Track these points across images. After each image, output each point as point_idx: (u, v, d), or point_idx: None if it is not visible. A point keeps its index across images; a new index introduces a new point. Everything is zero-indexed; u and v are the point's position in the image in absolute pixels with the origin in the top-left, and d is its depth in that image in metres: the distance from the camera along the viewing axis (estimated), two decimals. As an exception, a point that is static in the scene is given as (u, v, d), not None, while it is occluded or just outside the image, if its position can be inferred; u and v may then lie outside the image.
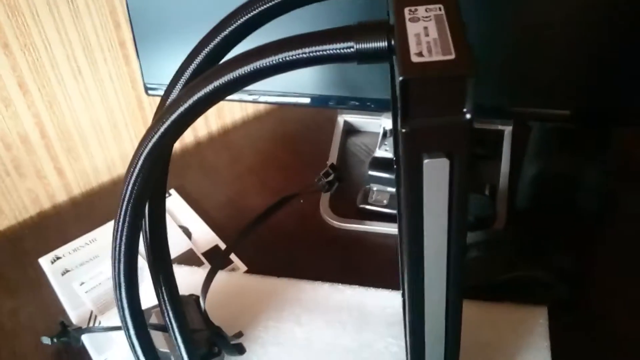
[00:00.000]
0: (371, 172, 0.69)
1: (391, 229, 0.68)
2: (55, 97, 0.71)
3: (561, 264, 0.61)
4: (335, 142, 0.80)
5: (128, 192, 0.35)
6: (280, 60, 0.28)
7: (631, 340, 0.56)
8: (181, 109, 0.30)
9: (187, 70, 0.36)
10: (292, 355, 0.56)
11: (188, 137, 0.86)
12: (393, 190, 0.70)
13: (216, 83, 0.29)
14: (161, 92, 0.67)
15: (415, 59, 0.24)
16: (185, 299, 0.56)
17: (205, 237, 0.70)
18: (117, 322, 0.62)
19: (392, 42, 0.27)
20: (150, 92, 0.70)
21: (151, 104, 0.79)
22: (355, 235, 0.69)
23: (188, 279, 0.61)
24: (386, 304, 0.60)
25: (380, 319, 0.59)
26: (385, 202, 0.70)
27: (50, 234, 0.72)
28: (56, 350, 0.59)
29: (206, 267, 0.66)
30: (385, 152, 0.73)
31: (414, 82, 0.24)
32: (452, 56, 0.24)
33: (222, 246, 0.69)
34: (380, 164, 0.69)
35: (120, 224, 0.36)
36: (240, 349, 0.54)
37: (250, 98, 0.70)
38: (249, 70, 0.29)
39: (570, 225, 0.65)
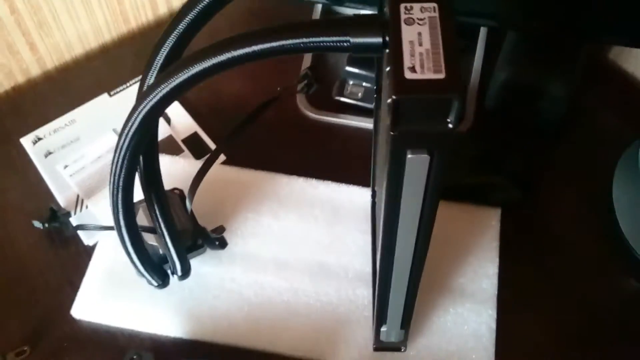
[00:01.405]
0: (348, 68, 0.70)
1: (364, 123, 0.71)
2: (23, -29, 0.68)
3: (518, 169, 0.66)
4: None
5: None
6: (278, 46, 0.29)
7: (567, 242, 0.63)
8: (180, 78, 0.32)
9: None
10: (270, 247, 0.62)
11: (162, 9, 0.83)
12: (368, 85, 0.72)
13: (215, 60, 0.30)
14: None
15: (408, 74, 0.26)
16: (169, 193, 0.60)
17: (184, 122, 0.72)
18: (104, 206, 0.66)
19: (387, 39, 0.28)
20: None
21: (124, -23, 0.76)
22: (330, 127, 0.72)
23: (170, 169, 0.64)
24: (356, 199, 0.65)
25: (349, 214, 0.64)
26: (360, 95, 0.72)
27: (29, 112, 0.73)
28: (47, 231, 0.64)
29: (187, 156, 0.69)
30: (363, 41, 0.73)
31: (405, 101, 0.26)
32: (442, 75, 0.26)
33: (202, 134, 0.71)
34: (358, 60, 0.70)
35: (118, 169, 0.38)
36: (222, 244, 0.59)
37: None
38: (247, 51, 0.30)
39: (531, 133, 0.69)
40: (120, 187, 0.40)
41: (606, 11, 0.59)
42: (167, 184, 0.54)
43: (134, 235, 0.47)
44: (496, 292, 0.59)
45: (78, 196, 0.66)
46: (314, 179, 0.66)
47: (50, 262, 0.63)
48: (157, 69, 0.37)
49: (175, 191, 0.61)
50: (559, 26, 0.61)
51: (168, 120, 0.72)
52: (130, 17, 0.81)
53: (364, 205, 0.64)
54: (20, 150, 0.70)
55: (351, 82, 0.72)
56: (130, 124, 0.34)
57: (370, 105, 0.72)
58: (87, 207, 0.66)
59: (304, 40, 0.29)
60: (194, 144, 0.71)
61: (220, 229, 0.60)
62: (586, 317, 0.59)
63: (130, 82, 0.75)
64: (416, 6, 0.28)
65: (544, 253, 0.63)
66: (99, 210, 0.65)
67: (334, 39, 0.29)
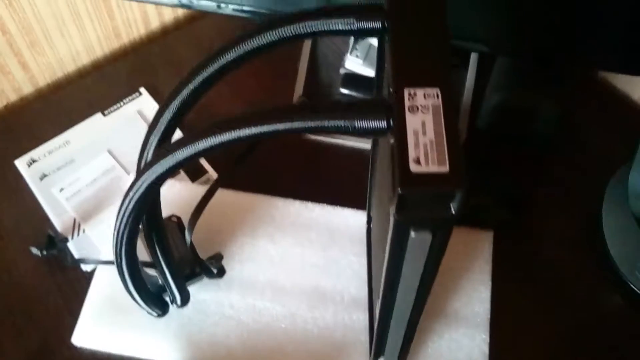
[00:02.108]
0: (343, 90, 0.71)
1: (360, 143, 0.71)
2: (14, -7, 0.67)
3: (508, 191, 0.67)
4: (306, 45, 0.80)
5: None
6: (284, 128, 0.30)
7: (558, 263, 0.65)
8: (186, 152, 0.32)
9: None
10: (267, 271, 0.63)
11: (154, 23, 0.83)
12: (362, 105, 0.72)
13: (220, 138, 0.31)
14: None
15: (413, 166, 0.27)
16: (166, 221, 0.60)
17: (179, 143, 0.72)
18: (101, 231, 0.67)
19: (391, 123, 0.29)
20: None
21: (115, -5, 0.76)
22: (325, 147, 0.73)
23: (166, 193, 0.64)
24: (351, 222, 0.66)
25: (345, 237, 0.65)
26: (354, 114, 0.73)
27: (23, 133, 0.73)
28: (45, 256, 0.64)
29: (182, 179, 0.70)
30: (356, 58, 0.74)
31: (410, 194, 0.27)
32: (446, 168, 0.27)
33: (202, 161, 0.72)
34: (352, 81, 0.70)
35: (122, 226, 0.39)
36: (220, 273, 0.60)
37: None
38: (254, 131, 0.30)
39: (523, 153, 0.70)
40: (124, 242, 0.40)
41: (596, 38, 0.60)
42: (163, 209, 0.54)
43: (135, 278, 0.48)
44: (489, 316, 0.60)
45: (75, 220, 0.67)
46: (309, 202, 0.67)
47: (48, 288, 0.63)
48: (158, 137, 0.37)
49: (173, 219, 0.61)
50: (549, 52, 0.62)
51: (163, 141, 0.72)
52: (122, 33, 0.80)
53: (359, 228, 0.65)
54: (15, 172, 0.70)
55: (345, 102, 0.73)
56: (131, 195, 0.35)
57: (364, 125, 0.72)
58: (84, 231, 0.66)
59: (309, 122, 0.29)
60: (189, 166, 0.71)
61: (218, 257, 0.61)
62: (577, 338, 0.61)
63: (124, 101, 0.75)
64: (419, 92, 0.29)
65: (536, 275, 0.64)
66: (97, 234, 0.66)
67: (339, 122, 0.29)
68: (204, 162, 0.71)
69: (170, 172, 0.33)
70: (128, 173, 0.70)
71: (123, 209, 0.37)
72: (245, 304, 0.61)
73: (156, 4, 0.66)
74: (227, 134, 0.30)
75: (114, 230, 0.40)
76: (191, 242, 0.56)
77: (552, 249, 0.66)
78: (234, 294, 0.62)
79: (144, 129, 0.74)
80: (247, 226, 0.66)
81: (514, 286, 0.63)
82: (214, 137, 0.30)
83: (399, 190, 0.26)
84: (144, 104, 0.75)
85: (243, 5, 0.65)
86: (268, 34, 0.32)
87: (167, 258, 0.52)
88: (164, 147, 0.33)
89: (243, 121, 0.30)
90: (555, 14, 0.59)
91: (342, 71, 0.72)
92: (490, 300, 0.61)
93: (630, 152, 0.63)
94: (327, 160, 0.72)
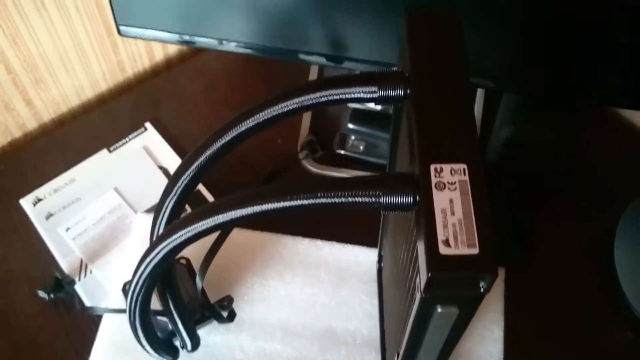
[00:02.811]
0: (351, 126, 0.70)
1: (366, 178, 0.71)
2: (20, 33, 0.67)
3: (518, 227, 0.67)
4: (313, 71, 0.79)
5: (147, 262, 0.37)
6: (309, 204, 0.29)
7: (569, 299, 0.64)
8: (203, 225, 0.32)
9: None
10: (277, 312, 0.62)
11: (158, 56, 0.83)
12: (370, 140, 0.72)
13: (242, 212, 0.30)
14: (133, 33, 0.65)
15: (442, 249, 0.26)
16: (176, 265, 0.59)
17: (185, 180, 0.72)
18: (109, 271, 0.66)
19: (417, 198, 0.29)
20: (123, 32, 0.66)
21: (120, 30, 0.75)
22: (332, 181, 0.72)
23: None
24: (361, 260, 0.65)
25: (355, 276, 0.64)
26: (361, 148, 0.73)
27: (27, 171, 0.72)
28: (52, 299, 0.63)
29: (190, 216, 0.69)
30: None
31: (440, 277, 0.26)
32: (476, 250, 0.26)
33: (204, 191, 0.71)
34: (361, 117, 0.70)
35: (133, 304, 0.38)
36: (231, 317, 0.59)
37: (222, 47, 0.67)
38: (277, 206, 0.30)
39: (534, 187, 0.70)
40: (139, 303, 0.39)
41: (607, 77, 0.60)
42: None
43: (147, 330, 0.47)
44: (502, 356, 0.60)
45: (82, 260, 0.66)
46: (318, 240, 0.67)
47: (56, 331, 0.62)
48: (167, 211, 0.37)
49: (182, 261, 0.61)
50: (558, 91, 0.62)
51: (169, 177, 0.72)
52: (127, 67, 0.80)
53: (370, 266, 0.65)
54: (20, 212, 0.69)
55: (353, 137, 0.72)
56: (147, 262, 0.34)
57: (373, 159, 0.72)
58: (91, 272, 0.65)
59: (335, 200, 0.29)
60: (194, 200, 0.70)
61: (229, 300, 0.60)
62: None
63: (130, 137, 0.74)
64: (446, 168, 0.28)
65: (548, 312, 0.64)
66: (104, 275, 0.65)
67: (367, 199, 0.29)
68: (208, 195, 0.70)
69: (189, 244, 0.32)
70: (135, 211, 0.69)
71: (139, 274, 0.36)
72: (255, 347, 0.60)
73: (159, 41, 0.66)
74: (248, 208, 0.30)
75: (129, 293, 0.40)
76: (202, 288, 0.56)
77: (564, 285, 0.65)
78: (244, 336, 0.61)
79: (150, 165, 0.74)
80: (256, 265, 0.65)
81: (527, 324, 0.62)
82: (236, 210, 0.30)
83: (429, 274, 0.26)
84: (150, 140, 0.75)
85: (244, 41, 0.65)
86: (288, 104, 0.32)
87: (179, 306, 0.51)
88: (185, 217, 0.32)
89: (264, 196, 0.30)
90: (565, 54, 0.59)
91: (350, 106, 0.72)
92: (504, 339, 0.61)
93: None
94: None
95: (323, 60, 0.65)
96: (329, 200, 0.29)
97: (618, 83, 0.60)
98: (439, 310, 0.29)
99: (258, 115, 0.33)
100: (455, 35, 0.34)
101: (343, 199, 0.29)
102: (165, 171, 0.72)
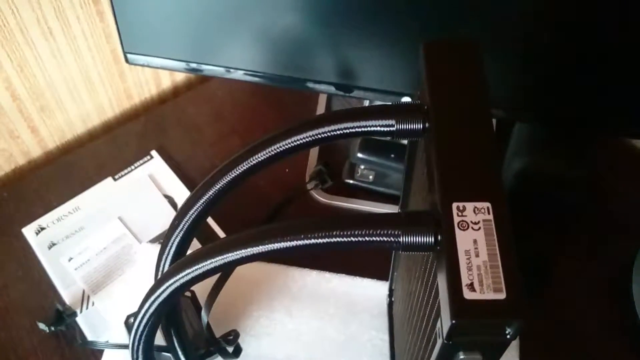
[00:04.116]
0: (360, 155, 0.69)
1: (377, 208, 0.70)
2: (26, 61, 0.66)
3: (533, 261, 0.65)
4: (322, 100, 0.79)
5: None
6: (326, 242, 0.28)
7: (586, 335, 0.62)
8: (209, 264, 0.30)
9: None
10: (284, 347, 0.60)
11: (165, 83, 0.82)
12: (379, 169, 0.71)
13: (259, 249, 0.29)
14: (141, 61, 0.64)
15: (467, 293, 0.25)
16: (182, 299, 0.58)
17: (191, 209, 0.70)
18: (111, 304, 0.64)
19: (439, 238, 0.27)
20: (130, 60, 0.66)
21: (127, 58, 0.75)
22: (341, 212, 0.71)
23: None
24: (371, 294, 0.64)
25: (365, 311, 0.63)
26: (371, 178, 0.71)
27: (31, 199, 0.71)
28: (53, 332, 0.62)
29: (194, 246, 0.68)
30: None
31: (465, 324, 0.25)
32: (503, 295, 0.25)
33: (211, 222, 0.70)
34: (370, 147, 0.69)
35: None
36: (237, 352, 0.57)
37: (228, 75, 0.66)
38: (292, 244, 0.28)
39: (548, 220, 0.68)
40: (142, 342, 0.38)
41: (620, 108, 0.59)
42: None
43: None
44: (519, 398, 0.58)
45: (84, 292, 0.64)
46: (327, 272, 0.65)
47: (56, 366, 0.61)
48: (173, 247, 0.36)
49: (187, 294, 0.59)
50: (571, 122, 0.61)
51: (174, 206, 0.71)
52: (134, 94, 0.79)
53: (380, 300, 0.63)
54: (23, 241, 0.68)
55: (362, 166, 0.71)
56: (151, 300, 0.33)
57: (382, 189, 0.71)
58: (93, 303, 0.64)
59: (352, 239, 0.27)
60: (201, 231, 0.69)
61: (235, 335, 0.58)
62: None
63: (135, 165, 0.73)
64: (469, 206, 0.27)
65: (563, 347, 0.62)
66: (106, 307, 0.63)
67: (385, 239, 0.27)
68: (216, 227, 0.69)
69: (196, 282, 0.31)
70: (139, 241, 0.67)
71: (143, 311, 0.34)
72: (262, 383, 0.58)
73: (166, 69, 0.65)
74: (260, 247, 0.28)
75: (133, 329, 0.38)
76: (207, 322, 0.54)
77: (580, 322, 0.63)
78: (251, 372, 0.59)
79: (155, 194, 0.72)
80: (262, 298, 0.63)
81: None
82: (250, 247, 0.29)
83: (453, 321, 0.24)
84: (156, 168, 0.73)
85: (252, 70, 0.64)
86: (303, 137, 0.31)
87: (183, 343, 0.49)
88: (194, 254, 0.31)
89: (276, 234, 0.28)
90: (577, 83, 0.58)
91: (358, 135, 0.70)
92: (519, 378, 0.58)
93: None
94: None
95: (332, 89, 0.65)
96: (345, 240, 0.27)
97: (632, 113, 0.59)
98: (462, 356, 0.27)
99: (271, 149, 0.31)
100: (475, 63, 0.33)
101: (360, 238, 0.27)
102: (170, 200, 0.71)
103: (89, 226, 0.69)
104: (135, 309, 0.59)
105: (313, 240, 0.28)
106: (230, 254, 0.29)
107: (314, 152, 0.74)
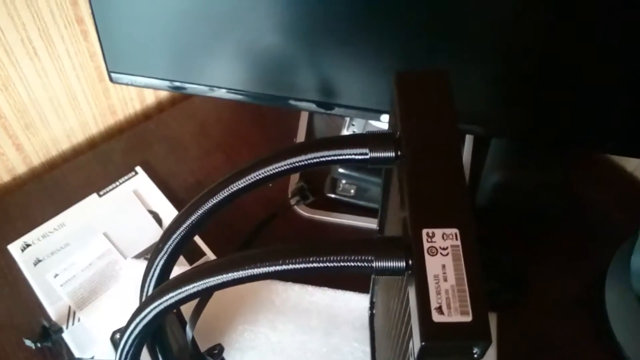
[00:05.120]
0: (341, 170, 0.70)
1: (359, 222, 0.71)
2: (11, 80, 0.67)
3: (510, 272, 0.67)
4: (303, 117, 0.80)
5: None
6: (302, 268, 0.29)
7: (561, 343, 0.64)
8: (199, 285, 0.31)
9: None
10: (268, 359, 0.62)
11: (149, 99, 0.83)
12: (361, 184, 0.72)
13: (237, 274, 0.30)
14: (125, 80, 0.65)
15: (435, 316, 0.26)
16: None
17: (176, 224, 0.71)
18: (97, 319, 0.65)
19: (410, 262, 0.29)
20: (114, 79, 0.67)
21: (112, 75, 0.76)
22: (324, 225, 0.72)
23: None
24: (352, 306, 0.65)
25: (347, 323, 0.64)
26: (352, 192, 0.73)
27: (16, 215, 0.71)
28: (39, 348, 0.62)
29: (180, 262, 0.68)
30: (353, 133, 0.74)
31: (433, 346, 0.26)
32: (469, 318, 0.26)
33: (196, 238, 0.71)
34: (351, 162, 0.70)
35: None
36: (222, 366, 0.59)
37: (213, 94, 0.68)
38: (270, 270, 0.30)
39: (523, 230, 0.70)
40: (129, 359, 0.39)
41: (596, 124, 0.61)
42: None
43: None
44: (496, 405, 0.59)
45: (70, 308, 0.65)
46: (310, 286, 0.66)
47: (42, 382, 0.61)
48: (158, 270, 0.37)
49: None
50: (548, 137, 0.63)
51: (159, 222, 0.72)
52: (118, 110, 0.80)
53: (362, 312, 0.64)
54: (8, 257, 0.68)
55: (344, 181, 0.73)
56: (133, 326, 0.34)
57: (363, 203, 0.72)
58: (79, 319, 0.64)
59: (328, 264, 0.29)
60: (187, 248, 0.70)
61: (219, 349, 0.60)
62: None
63: (120, 181, 0.74)
64: (438, 232, 0.28)
65: (540, 356, 0.63)
66: (92, 322, 0.64)
67: (358, 264, 0.29)
68: (201, 244, 0.70)
69: (180, 305, 0.32)
70: (124, 257, 0.68)
71: (128, 332, 0.36)
72: (246, 396, 0.59)
73: (150, 88, 0.66)
74: (240, 272, 0.30)
75: (119, 349, 0.39)
76: (192, 337, 0.55)
77: (557, 329, 0.65)
78: (235, 385, 0.60)
79: (140, 209, 0.73)
80: (247, 312, 0.64)
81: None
82: (231, 272, 0.30)
83: (422, 343, 0.26)
84: (140, 184, 0.74)
85: (235, 88, 0.65)
86: (280, 164, 0.32)
87: (168, 359, 0.50)
88: (177, 278, 0.32)
89: (255, 260, 0.30)
90: (552, 99, 0.60)
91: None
92: (497, 386, 0.60)
93: (631, 224, 0.64)
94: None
95: (313, 106, 0.66)
96: (322, 265, 0.29)
97: (606, 128, 0.61)
98: (433, 375, 0.29)
99: (250, 176, 0.33)
100: (444, 93, 0.34)
101: (335, 264, 0.29)
102: (155, 215, 0.72)
103: (74, 242, 0.70)
104: (121, 325, 0.60)
105: (291, 266, 0.29)
106: (211, 279, 0.30)
107: (296, 167, 0.75)
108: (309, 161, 0.32)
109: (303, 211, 0.72)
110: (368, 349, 0.62)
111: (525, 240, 0.70)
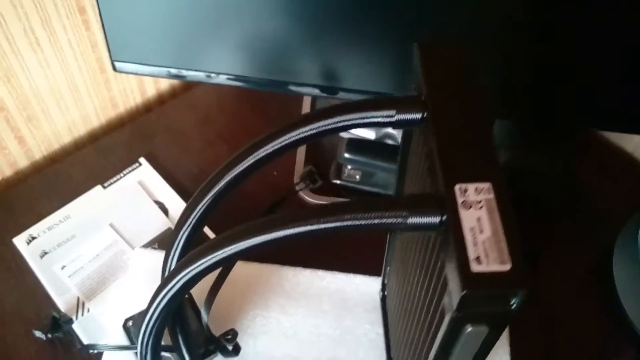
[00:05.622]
0: (347, 155, 0.71)
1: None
2: (13, 71, 0.67)
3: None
4: (306, 103, 0.80)
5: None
6: (335, 226, 0.29)
7: (571, 321, 0.65)
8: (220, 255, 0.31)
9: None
10: (281, 344, 0.61)
11: (150, 91, 0.83)
12: (366, 168, 0.72)
13: (268, 237, 0.30)
14: (129, 69, 0.65)
15: (474, 266, 0.27)
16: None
17: (182, 214, 0.71)
18: (107, 309, 0.65)
19: (444, 218, 0.29)
20: (118, 68, 0.66)
21: (113, 66, 0.75)
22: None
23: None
24: (363, 289, 0.65)
25: (358, 306, 0.64)
26: (357, 178, 0.73)
27: (20, 209, 0.71)
28: (50, 339, 0.62)
29: (188, 250, 0.68)
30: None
31: (473, 295, 0.26)
32: (508, 266, 0.27)
33: (205, 229, 0.70)
34: (357, 147, 0.70)
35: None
36: (236, 350, 0.58)
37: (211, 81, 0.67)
38: (301, 230, 0.30)
39: (530, 213, 0.70)
40: (153, 335, 0.39)
41: (595, 100, 0.62)
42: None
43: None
44: (510, 384, 0.60)
45: (78, 299, 0.65)
46: (320, 270, 0.66)
47: (54, 373, 0.61)
48: (180, 245, 0.37)
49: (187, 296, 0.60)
50: (549, 116, 0.63)
51: (166, 212, 0.71)
52: (119, 103, 0.80)
53: (373, 295, 0.64)
54: (14, 251, 0.68)
55: (349, 167, 0.73)
56: (161, 297, 0.34)
57: (369, 188, 0.72)
58: (89, 310, 0.64)
59: (362, 221, 0.29)
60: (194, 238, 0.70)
61: (233, 334, 0.59)
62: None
63: (124, 172, 0.74)
64: (471, 187, 0.29)
65: (551, 337, 0.64)
66: (102, 312, 0.64)
67: (392, 220, 0.29)
68: (209, 232, 0.70)
69: (211, 271, 0.32)
70: (132, 247, 0.68)
71: (155, 304, 0.35)
72: (261, 381, 0.59)
73: (154, 76, 0.66)
74: (273, 233, 0.30)
75: (143, 325, 0.39)
76: (207, 323, 0.55)
77: (567, 308, 0.66)
78: (249, 370, 0.60)
79: (146, 200, 0.73)
80: (258, 297, 0.64)
81: (532, 348, 0.62)
82: (264, 234, 0.30)
83: (462, 292, 0.26)
84: (145, 175, 0.74)
85: (234, 73, 0.65)
86: (307, 129, 0.32)
87: (188, 343, 0.50)
88: (208, 244, 0.32)
89: (288, 221, 0.30)
90: (554, 79, 0.60)
91: (345, 135, 0.72)
92: (510, 363, 0.60)
93: (634, 204, 0.65)
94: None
95: (316, 91, 0.66)
96: (356, 222, 0.29)
97: (607, 105, 0.62)
98: (469, 329, 0.29)
99: (276, 142, 0.33)
100: (464, 60, 0.35)
101: (370, 221, 0.29)
102: (161, 206, 0.72)
103: (80, 234, 0.69)
104: (132, 313, 0.60)
105: (325, 225, 0.29)
106: (243, 242, 0.30)
107: (300, 155, 0.76)
108: (337, 124, 0.32)
109: (309, 197, 0.72)
110: (381, 331, 0.62)
111: (530, 223, 0.70)
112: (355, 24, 0.59)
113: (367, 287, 0.65)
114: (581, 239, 0.70)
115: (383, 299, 0.63)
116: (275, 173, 0.74)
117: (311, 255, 0.67)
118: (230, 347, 0.58)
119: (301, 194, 0.72)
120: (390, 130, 0.73)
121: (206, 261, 0.31)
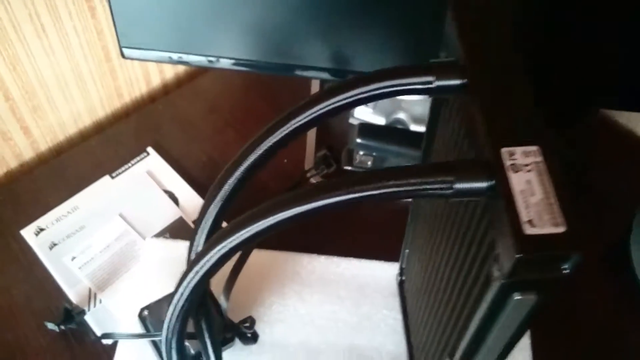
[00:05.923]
0: (359, 140, 0.70)
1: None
2: (19, 58, 0.65)
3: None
4: (315, 87, 0.79)
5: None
6: (390, 191, 0.28)
7: (589, 304, 0.64)
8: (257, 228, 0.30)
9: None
10: (298, 332, 0.61)
11: (155, 81, 0.82)
12: (377, 154, 0.71)
13: (307, 206, 0.29)
14: (137, 55, 0.64)
15: (527, 229, 0.26)
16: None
17: (193, 203, 0.70)
18: (119, 300, 0.64)
19: (491, 182, 0.28)
20: (126, 55, 0.65)
21: (119, 55, 0.74)
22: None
23: (184, 255, 0.62)
24: (380, 275, 0.64)
25: (375, 292, 0.63)
26: (369, 164, 0.72)
27: (27, 200, 0.69)
28: (62, 331, 0.60)
29: (200, 239, 0.67)
30: (365, 107, 0.73)
31: (528, 259, 0.26)
32: (563, 228, 0.26)
33: (212, 213, 0.69)
34: (369, 132, 0.69)
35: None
36: (255, 337, 0.57)
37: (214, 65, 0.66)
38: (345, 198, 0.29)
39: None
40: (181, 317, 0.38)
41: (603, 79, 0.61)
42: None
43: (182, 354, 0.45)
44: (531, 362, 0.59)
45: (90, 290, 0.63)
46: (335, 257, 0.65)
47: (67, 364, 0.59)
48: (206, 229, 0.36)
49: (200, 283, 0.59)
50: (557, 94, 0.63)
51: (176, 201, 0.70)
52: (124, 93, 0.79)
53: (390, 280, 0.64)
54: (22, 242, 0.66)
55: (361, 152, 0.72)
56: (183, 288, 0.33)
57: (381, 174, 0.72)
58: (100, 301, 0.63)
59: (408, 188, 0.28)
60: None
61: (251, 321, 0.58)
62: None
63: (132, 162, 0.73)
64: (518, 150, 0.28)
65: (572, 322, 0.63)
66: (114, 303, 0.63)
67: (438, 185, 0.28)
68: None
69: (250, 243, 0.31)
70: (143, 237, 0.67)
71: (185, 283, 0.34)
72: (279, 369, 0.58)
73: (162, 62, 0.65)
74: (315, 202, 0.29)
75: (169, 314, 0.38)
76: (225, 310, 0.54)
77: (584, 290, 0.65)
78: (267, 358, 0.59)
79: (155, 190, 0.72)
80: (273, 285, 0.63)
81: (552, 334, 0.62)
82: (302, 204, 0.29)
83: (519, 256, 0.25)
84: (153, 164, 0.73)
85: (237, 57, 0.64)
86: (345, 96, 0.31)
87: (211, 330, 0.49)
88: (245, 216, 0.31)
89: (330, 188, 0.29)
90: (562, 57, 0.60)
91: (355, 121, 0.71)
92: (531, 348, 0.60)
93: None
94: (346, 214, 0.70)
95: (325, 74, 0.65)
96: (401, 189, 0.28)
97: (614, 84, 0.62)
98: (517, 297, 0.28)
99: (311, 110, 0.32)
100: (503, 19, 0.34)
101: (415, 187, 0.28)
102: (171, 195, 0.71)
103: (89, 225, 0.68)
104: (145, 304, 0.59)
105: (370, 192, 0.28)
106: (284, 213, 0.29)
107: (311, 142, 0.75)
108: (374, 92, 0.31)
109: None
110: (399, 316, 0.61)
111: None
112: (368, 2, 0.58)
113: (384, 272, 0.64)
114: (597, 222, 0.69)
115: (401, 284, 0.62)
116: (285, 161, 0.73)
117: (324, 241, 0.66)
118: (249, 334, 0.57)
119: (313, 181, 0.71)
120: (400, 115, 0.72)
121: (245, 232, 0.30)
